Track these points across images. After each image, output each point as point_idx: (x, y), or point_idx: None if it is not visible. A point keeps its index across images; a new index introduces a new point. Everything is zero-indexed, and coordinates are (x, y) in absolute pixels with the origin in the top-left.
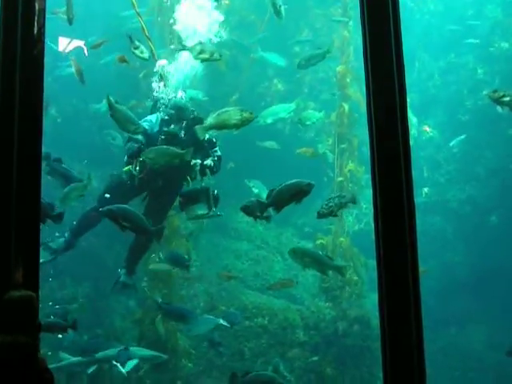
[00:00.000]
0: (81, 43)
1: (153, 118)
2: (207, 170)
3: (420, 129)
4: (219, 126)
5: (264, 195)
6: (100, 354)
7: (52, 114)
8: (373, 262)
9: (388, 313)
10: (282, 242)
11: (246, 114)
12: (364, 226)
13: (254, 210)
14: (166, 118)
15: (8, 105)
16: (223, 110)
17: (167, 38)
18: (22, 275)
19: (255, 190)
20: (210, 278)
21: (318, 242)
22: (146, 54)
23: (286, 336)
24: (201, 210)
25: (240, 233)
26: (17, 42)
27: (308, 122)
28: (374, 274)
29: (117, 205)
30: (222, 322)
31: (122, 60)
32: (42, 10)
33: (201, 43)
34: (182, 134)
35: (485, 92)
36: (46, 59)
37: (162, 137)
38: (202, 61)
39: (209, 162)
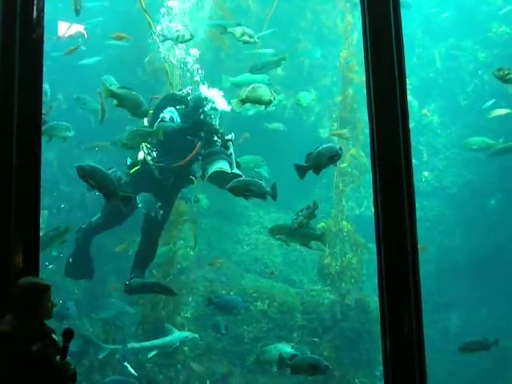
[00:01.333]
0: (81, 28)
1: (171, 109)
2: (230, 143)
3: (420, 113)
4: (253, 101)
5: (264, 173)
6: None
7: (59, 99)
8: (373, 246)
9: (388, 297)
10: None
11: (275, 94)
12: (364, 210)
13: (239, 190)
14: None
15: (8, 88)
16: (257, 85)
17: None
18: (22, 260)
19: (256, 170)
20: (209, 262)
21: (320, 225)
22: (188, 35)
23: (285, 320)
24: (219, 164)
25: (239, 217)
26: (16, 26)
27: (303, 104)
28: (373, 258)
29: (89, 163)
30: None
31: (119, 37)
32: None
33: (240, 25)
34: (217, 122)
35: (491, 71)
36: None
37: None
38: (244, 43)
39: (230, 136)
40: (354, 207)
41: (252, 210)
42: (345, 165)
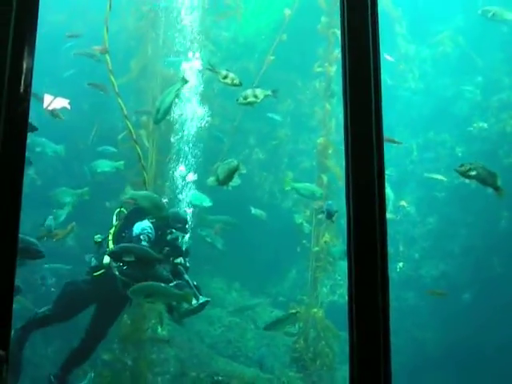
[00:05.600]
0: (65, 103)
1: (147, 225)
2: (182, 269)
3: (396, 204)
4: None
5: (218, 245)
6: None
7: (31, 176)
8: (345, 334)
9: None
10: (256, 309)
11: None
12: (337, 298)
13: (117, 255)
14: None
15: None
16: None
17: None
18: None
19: (208, 240)
20: (181, 343)
21: (292, 311)
22: (237, 81)
23: None
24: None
25: (214, 299)
26: (2, 99)
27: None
28: (345, 347)
29: None
30: None
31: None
32: (30, 70)
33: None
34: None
35: (454, 168)
36: None
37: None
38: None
39: (179, 260)
40: (327, 294)
41: (226, 292)
42: (317, 248)
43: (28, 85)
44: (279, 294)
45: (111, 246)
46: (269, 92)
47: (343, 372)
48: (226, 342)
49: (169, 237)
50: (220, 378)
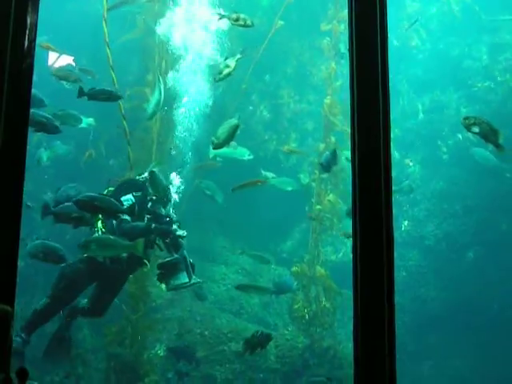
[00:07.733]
0: (70, 60)
1: (127, 197)
2: (181, 241)
3: (401, 163)
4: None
5: (218, 198)
6: None
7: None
8: (346, 292)
9: (362, 345)
10: (259, 267)
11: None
12: (342, 256)
13: (84, 204)
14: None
15: None
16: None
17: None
18: None
19: (208, 192)
20: (184, 300)
21: (294, 269)
22: (249, 21)
23: (258, 362)
24: (180, 279)
25: (217, 257)
26: (6, 55)
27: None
28: (346, 304)
29: None
30: None
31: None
32: (34, 25)
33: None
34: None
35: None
36: None
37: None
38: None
39: (181, 232)
40: (329, 253)
41: (229, 250)
42: (319, 207)
43: (32, 40)
44: (283, 251)
45: (99, 224)
46: (238, 56)
47: (345, 329)
48: (228, 299)
49: (149, 204)
50: (259, 332)
